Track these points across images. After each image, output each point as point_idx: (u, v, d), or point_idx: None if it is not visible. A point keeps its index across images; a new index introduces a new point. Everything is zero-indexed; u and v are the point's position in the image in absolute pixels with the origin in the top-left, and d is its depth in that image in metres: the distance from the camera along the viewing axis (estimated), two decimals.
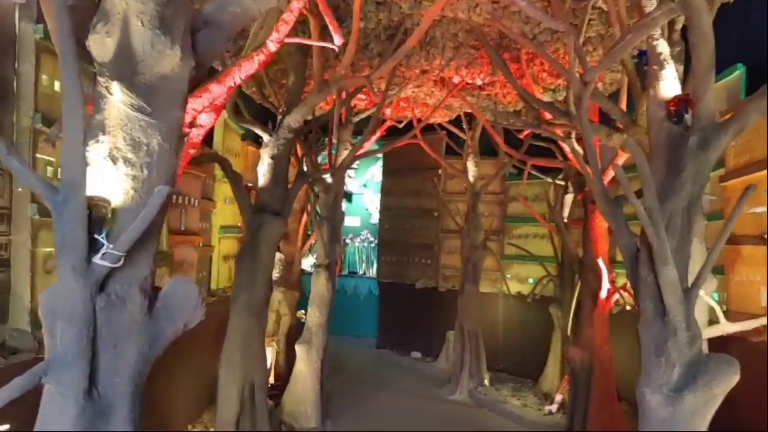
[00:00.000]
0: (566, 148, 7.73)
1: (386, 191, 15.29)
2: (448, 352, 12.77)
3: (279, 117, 6.38)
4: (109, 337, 2.08)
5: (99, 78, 2.19)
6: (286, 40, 3.76)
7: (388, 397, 10.60)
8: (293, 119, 6.22)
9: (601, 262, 7.32)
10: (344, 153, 8.80)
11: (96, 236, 2.00)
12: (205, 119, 3.92)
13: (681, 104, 3.84)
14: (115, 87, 2.13)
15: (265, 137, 6.44)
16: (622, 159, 7.68)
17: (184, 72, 2.33)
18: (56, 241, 1.95)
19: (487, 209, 12.88)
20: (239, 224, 10.27)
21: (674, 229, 3.85)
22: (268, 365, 8.02)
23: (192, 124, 3.81)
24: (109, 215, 2.08)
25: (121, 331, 2.10)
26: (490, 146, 12.30)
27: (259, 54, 3.69)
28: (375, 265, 16.21)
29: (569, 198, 10.62)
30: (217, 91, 3.65)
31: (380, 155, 16.06)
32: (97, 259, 2.01)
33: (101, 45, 2.17)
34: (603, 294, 7.62)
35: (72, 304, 1.96)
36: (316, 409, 8.25)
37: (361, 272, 17.01)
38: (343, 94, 7.77)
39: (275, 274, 7.83)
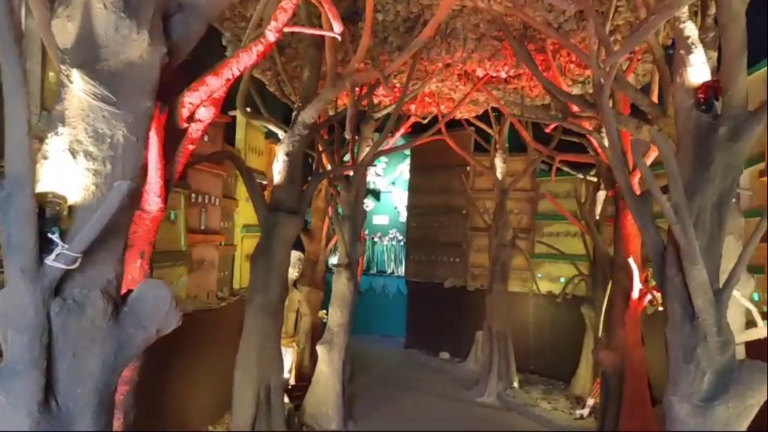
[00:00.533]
0: (596, 143, 7.40)
1: (414, 189, 15.07)
2: (477, 352, 12.49)
3: (294, 113, 6.23)
4: (67, 345, 1.93)
5: (60, 66, 2.04)
6: (286, 29, 3.59)
7: (414, 398, 10.40)
8: (308, 115, 6.06)
9: (632, 261, 6.98)
10: (366, 150, 8.62)
11: (49, 235, 1.85)
12: (205, 114, 3.78)
13: (710, 91, 3.54)
14: (76, 75, 1.98)
15: (281, 134, 6.29)
16: (654, 154, 7.34)
17: (154, 59, 2.17)
18: (2, 241, 1.80)
19: (517, 206, 12.56)
20: None
21: (703, 226, 3.56)
22: (288, 366, 7.90)
23: (191, 119, 3.67)
24: (65, 213, 1.92)
25: (80, 338, 1.95)
26: (519, 142, 11.99)
27: (257, 45, 3.53)
28: (403, 264, 16.00)
29: (601, 195, 10.23)
30: (214, 83, 3.50)
31: (408, 153, 15.89)
32: (50, 261, 1.86)
33: (62, 30, 2.03)
34: (635, 294, 7.28)
35: (22, 310, 1.81)
36: (337, 411, 8.10)
37: (389, 271, 16.84)
38: (363, 89, 7.60)
39: (294, 274, 7.71)
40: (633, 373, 7.49)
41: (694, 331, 3.54)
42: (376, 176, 17.03)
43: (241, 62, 3.48)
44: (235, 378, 6.17)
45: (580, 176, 10.87)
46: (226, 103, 8.33)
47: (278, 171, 6.25)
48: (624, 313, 7.55)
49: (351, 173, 8.56)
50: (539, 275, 12.05)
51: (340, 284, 8.34)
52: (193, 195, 7.76)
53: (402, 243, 16.52)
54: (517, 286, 12.40)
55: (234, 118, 9.35)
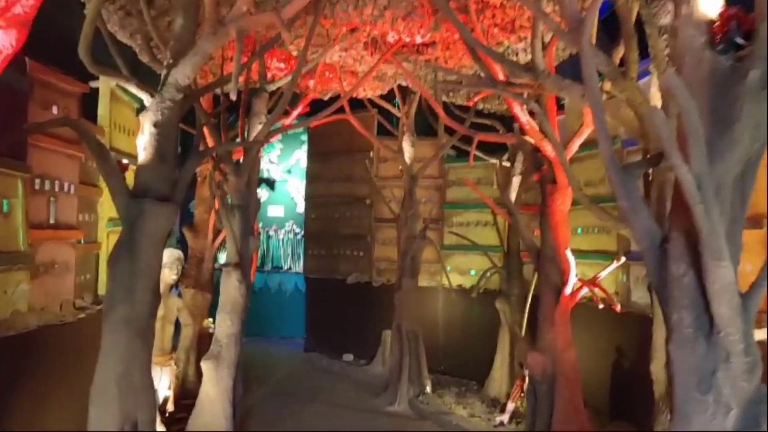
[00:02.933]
0: (522, 118, 6.52)
1: (312, 177, 13.79)
2: (384, 354, 11.49)
3: (164, 72, 4.84)
4: None
5: None
6: None
7: (316, 411, 9.22)
8: (181, 74, 4.71)
9: (569, 252, 6.17)
10: (258, 128, 7.32)
11: None
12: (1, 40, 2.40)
13: (731, 24, 2.63)
14: None
15: (146, 99, 4.89)
16: (586, 131, 6.57)
17: None
18: None
19: (424, 195, 11.64)
20: None
21: (723, 206, 2.65)
22: (167, 391, 6.49)
23: None
24: None
25: None
26: (426, 125, 11.08)
27: None
28: (302, 259, 14.72)
29: (516, 181, 9.54)
30: None
31: (305, 138, 14.62)
32: None
33: None
34: (568, 290, 6.48)
35: None
36: None
37: (286, 267, 15.50)
38: (253, 45, 6.30)
39: (171, 277, 6.30)
40: (565, 379, 6.71)
41: (713, 349, 2.62)
42: (270, 164, 15.60)
43: None
44: (89, 417, 4.72)
45: (494, 161, 10.09)
46: (85, 72, 6.72)
47: (143, 147, 4.84)
48: (554, 311, 6.76)
49: (241, 156, 7.24)
50: (448, 268, 11.19)
51: (230, 287, 7.00)
52: (37, 180, 6.15)
53: (300, 236, 15.23)
54: (426, 280, 11.50)
55: (96, 90, 7.74)
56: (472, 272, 11.35)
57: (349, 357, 12.51)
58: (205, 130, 7.19)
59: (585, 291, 6.72)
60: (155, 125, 4.89)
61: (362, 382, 11.10)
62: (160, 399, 6.41)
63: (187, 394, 8.50)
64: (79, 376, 5.16)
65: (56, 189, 6.53)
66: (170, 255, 6.33)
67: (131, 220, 4.81)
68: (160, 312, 6.30)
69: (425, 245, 10.14)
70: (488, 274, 9.83)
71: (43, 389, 5.82)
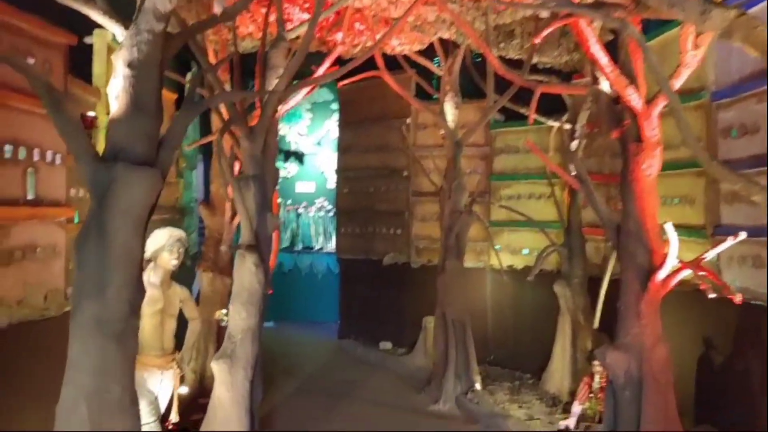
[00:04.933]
0: (602, 60, 5.18)
1: (344, 148, 12.56)
2: (425, 342, 10.33)
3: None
4: None
5: None
6: None
7: (350, 411, 8.12)
8: None
9: (670, 227, 4.84)
10: (275, 82, 6.11)
11: None
12: None
13: None
14: None
15: (118, 32, 3.72)
16: (685, 72, 5.19)
17: None
18: None
19: (468, 165, 10.35)
20: None
21: None
22: (168, 398, 5.41)
23: None
24: None
25: None
26: (469, 88, 9.75)
27: None
28: (334, 239, 13.59)
29: (575, 146, 8.21)
30: None
31: (336, 107, 13.41)
32: None
33: None
34: (662, 274, 5.16)
35: None
36: None
37: (317, 247, 14.39)
38: None
39: (171, 262, 5.17)
40: (655, 382, 5.42)
41: None
42: (299, 136, 14.45)
43: None
44: None
45: (553, 122, 8.73)
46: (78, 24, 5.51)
47: (116, 95, 3.69)
48: (640, 300, 5.45)
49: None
50: (497, 247, 9.91)
51: (245, 273, 5.86)
52: (7, 147, 5.07)
53: (331, 214, 14.08)
54: (471, 260, 10.25)
55: (90, 46, 6.65)
56: (525, 251, 10.05)
57: (386, 345, 11.38)
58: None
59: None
60: (130, 65, 3.70)
61: (401, 374, 9.98)
62: (162, 408, 5.35)
63: (206, 392, 7.50)
64: (53, 385, 4.09)
65: (35, 158, 5.45)
66: (169, 235, 5.21)
67: (100, 192, 3.65)
68: (158, 305, 5.21)
69: (472, 221, 8.88)
70: (546, 253, 8.51)
71: (23, 397, 4.81)
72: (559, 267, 8.92)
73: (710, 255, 5.03)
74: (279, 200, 14.15)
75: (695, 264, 4.96)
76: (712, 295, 5.17)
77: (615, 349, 5.58)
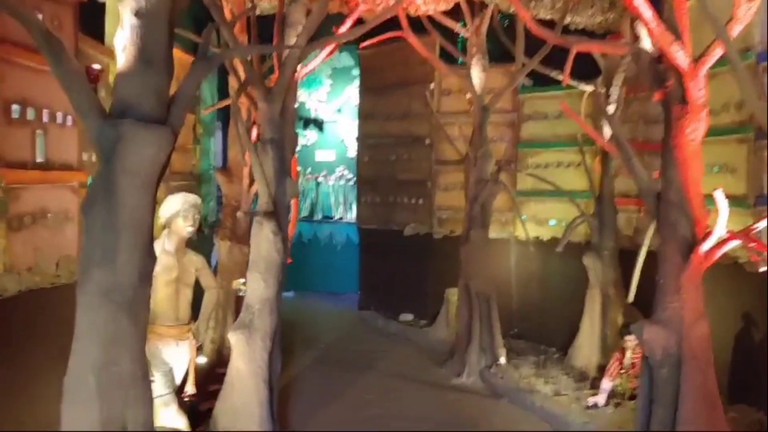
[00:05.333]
0: (645, 14, 4.77)
1: (365, 115, 12.20)
2: (447, 314, 10.09)
3: None
4: None
5: None
6: None
7: (371, 383, 7.92)
8: None
9: (720, 194, 4.48)
10: (294, 41, 5.79)
11: None
12: None
13: None
14: None
15: None
16: (737, 27, 4.78)
17: None
18: None
19: (494, 132, 9.90)
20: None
21: None
22: (184, 369, 5.23)
23: None
24: None
25: None
26: (498, 50, 9.33)
27: None
28: (354, 208, 13.31)
29: (612, 109, 7.84)
30: None
31: (357, 73, 13.02)
32: None
33: None
34: (707, 245, 4.82)
35: None
36: (261, 426, 5.53)
37: (337, 217, 14.14)
38: None
39: (186, 228, 4.93)
40: (695, 360, 5.11)
41: None
42: (319, 103, 14.10)
43: None
44: (62, 419, 3.46)
45: (585, 87, 8.30)
46: None
47: (122, 47, 3.42)
48: (681, 274, 5.11)
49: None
50: (523, 217, 9.57)
51: (263, 241, 5.64)
52: (15, 107, 4.83)
53: (352, 183, 13.79)
54: (496, 231, 9.91)
55: (102, 4, 6.38)
56: (552, 222, 9.70)
57: (407, 317, 11.16)
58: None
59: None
60: (137, 14, 3.42)
61: (423, 346, 9.77)
62: (178, 380, 5.17)
63: (224, 362, 7.36)
64: (64, 355, 3.90)
65: (45, 119, 5.22)
66: (184, 200, 4.97)
67: (106, 151, 3.40)
68: (172, 274, 5.00)
69: (498, 190, 8.54)
70: (576, 223, 8.16)
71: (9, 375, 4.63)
72: (588, 238, 8.57)
73: (761, 225, 4.67)
74: (298, 168, 13.93)
75: (744, 234, 4.61)
76: (762, 269, 4.82)
77: (653, 324, 5.26)
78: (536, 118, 9.82)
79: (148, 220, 3.54)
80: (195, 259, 5.19)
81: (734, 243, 4.72)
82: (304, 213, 14.07)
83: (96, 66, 4.59)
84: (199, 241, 8.98)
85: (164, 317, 4.96)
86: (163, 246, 4.99)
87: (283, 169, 5.77)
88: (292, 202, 7.21)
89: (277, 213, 5.66)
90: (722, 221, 4.48)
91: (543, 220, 9.77)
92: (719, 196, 4.43)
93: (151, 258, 3.62)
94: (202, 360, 7.34)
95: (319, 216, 14.13)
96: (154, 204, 3.60)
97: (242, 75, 6.16)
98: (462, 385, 7.98)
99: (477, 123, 8.49)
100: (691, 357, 5.11)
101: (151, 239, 3.60)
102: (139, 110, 3.44)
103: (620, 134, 5.67)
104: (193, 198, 5.03)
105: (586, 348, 8.34)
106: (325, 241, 13.80)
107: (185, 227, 4.96)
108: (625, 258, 8.18)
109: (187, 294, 5.09)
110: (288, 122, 5.88)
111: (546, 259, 9.36)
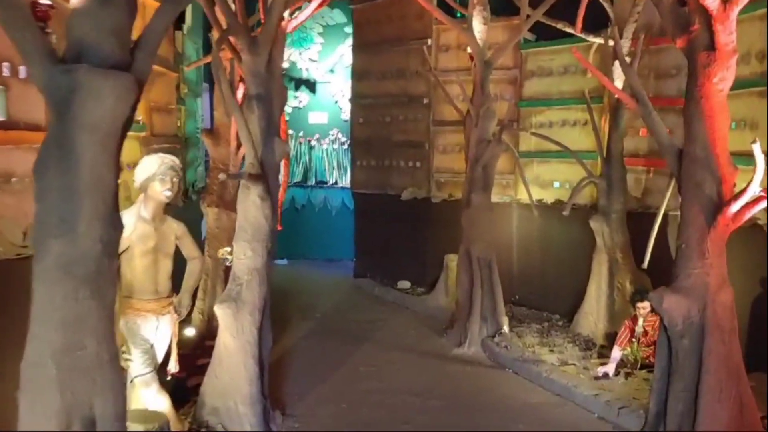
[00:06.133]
0: None
1: (359, 74, 11.62)
2: (446, 281, 9.72)
3: None
4: None
5: None
6: None
7: (369, 355, 7.56)
8: None
9: (757, 147, 4.03)
10: None
11: None
12: None
13: None
14: None
15: None
16: None
17: None
18: None
19: (496, 90, 9.39)
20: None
21: None
22: (166, 345, 4.82)
23: None
24: None
25: None
26: (498, 3, 8.78)
27: None
28: (349, 172, 12.83)
29: (629, 59, 7.33)
30: None
31: (350, 30, 12.40)
32: None
33: None
34: (737, 205, 4.40)
35: None
36: (251, 405, 5.17)
37: (331, 182, 13.66)
38: None
39: (162, 193, 4.44)
40: (719, 330, 4.74)
41: None
42: (310, 62, 13.49)
43: None
44: (20, 410, 3.05)
45: (594, 39, 7.78)
46: None
47: None
48: (705, 237, 4.71)
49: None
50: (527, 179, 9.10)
51: (249, 206, 5.19)
52: None
53: (346, 146, 13.29)
54: (497, 194, 9.48)
55: None
56: (556, 184, 9.27)
57: (405, 284, 10.78)
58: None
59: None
60: None
61: (421, 315, 9.41)
62: (160, 358, 4.76)
63: (213, 333, 6.97)
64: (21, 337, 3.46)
65: (5, 74, 4.70)
66: (160, 162, 4.49)
67: (59, 103, 2.92)
68: (150, 243, 4.55)
69: (501, 151, 8.08)
70: (582, 184, 7.73)
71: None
72: (595, 201, 8.17)
73: None
74: (290, 131, 13.39)
75: None
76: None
77: (673, 292, 4.87)
78: (540, 74, 9.30)
79: (110, 182, 3.07)
80: (175, 227, 4.73)
81: (764, 204, 4.30)
82: (297, 178, 13.59)
83: (45, 1, 4.03)
84: (187, 209, 8.53)
85: (142, 290, 4.54)
86: (139, 213, 4.53)
87: (270, 127, 5.29)
88: (282, 164, 6.74)
89: (264, 176, 5.19)
90: (758, 178, 4.06)
91: (547, 182, 9.33)
92: (756, 149, 3.98)
93: (115, 226, 3.16)
94: (191, 331, 6.96)
95: (312, 181, 13.64)
96: (118, 164, 3.13)
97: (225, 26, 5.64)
98: (463, 355, 7.64)
99: (478, 79, 7.98)
100: (715, 326, 4.74)
101: (116, 204, 3.14)
102: (97, 54, 2.94)
103: (638, 85, 5.19)
104: (170, 159, 4.55)
105: (592, 315, 7.99)
106: (320, 206, 13.34)
107: (162, 191, 4.49)
108: (634, 221, 7.80)
109: (167, 265, 4.65)
110: (275, 76, 5.37)
111: (550, 223, 8.96)
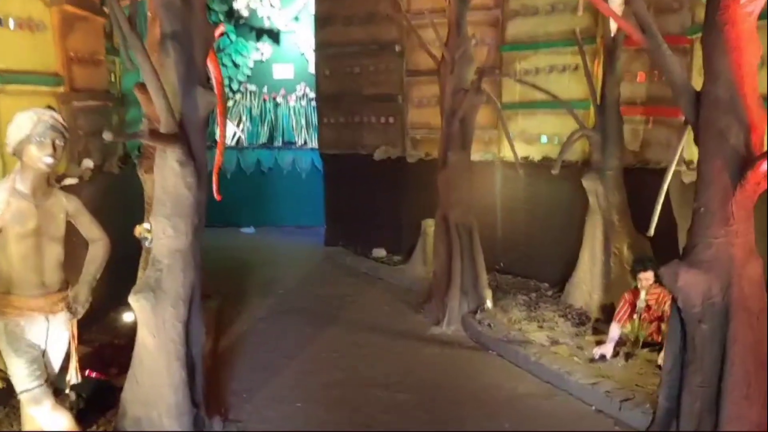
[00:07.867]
0: None
1: (322, 20, 10.39)
2: (424, 249, 8.83)
3: None
4: None
5: None
6: None
7: (333, 338, 6.65)
8: None
9: None
10: None
11: None
12: None
13: None
14: None
15: None
16: None
17: None
18: None
19: (475, 32, 8.31)
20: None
21: None
22: (63, 351, 3.86)
23: None
24: None
25: None
26: None
27: None
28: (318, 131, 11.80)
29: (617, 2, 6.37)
30: None
31: None
32: None
33: None
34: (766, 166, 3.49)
35: None
36: (176, 416, 4.26)
37: (300, 142, 12.60)
38: None
39: (44, 159, 3.41)
40: (746, 311, 3.87)
41: None
42: (272, 9, 12.27)
43: None
44: None
45: None
46: None
47: None
48: (730, 198, 3.80)
49: None
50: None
51: (167, 174, 4.21)
52: None
53: (314, 102, 12.19)
54: (479, 152, 8.55)
55: None
56: (543, 139, 8.31)
57: (380, 252, 9.88)
58: None
59: None
60: None
61: (398, 287, 8.51)
62: (56, 367, 3.81)
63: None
64: None
65: None
66: (36, 119, 3.48)
67: None
68: (29, 224, 3.55)
69: (481, 102, 7.07)
70: (574, 138, 6.77)
71: None
72: (588, 156, 7.24)
73: None
74: (252, 87, 12.23)
75: None
76: None
77: (690, 266, 3.97)
78: (525, 13, 8.23)
79: None
80: (65, 202, 3.73)
81: None
82: (263, 139, 12.52)
83: None
84: (129, 178, 7.46)
85: (23, 284, 3.56)
86: (13, 185, 3.53)
87: (190, 74, 4.26)
88: (218, 120, 5.73)
89: (185, 135, 4.18)
90: None
91: (534, 137, 8.35)
92: None
93: None
94: (130, 317, 6.01)
95: (279, 142, 12.57)
96: None
97: None
98: (441, 335, 6.76)
99: (454, 18, 6.93)
100: (741, 308, 3.87)
101: None
102: None
103: (645, 12, 4.17)
104: (49, 115, 3.52)
105: (585, 284, 7.14)
106: (288, 169, 12.28)
107: (41, 157, 3.47)
108: (631, 178, 6.89)
109: (55, 251, 3.67)
110: (195, 9, 4.30)
111: (538, 182, 8.04)
